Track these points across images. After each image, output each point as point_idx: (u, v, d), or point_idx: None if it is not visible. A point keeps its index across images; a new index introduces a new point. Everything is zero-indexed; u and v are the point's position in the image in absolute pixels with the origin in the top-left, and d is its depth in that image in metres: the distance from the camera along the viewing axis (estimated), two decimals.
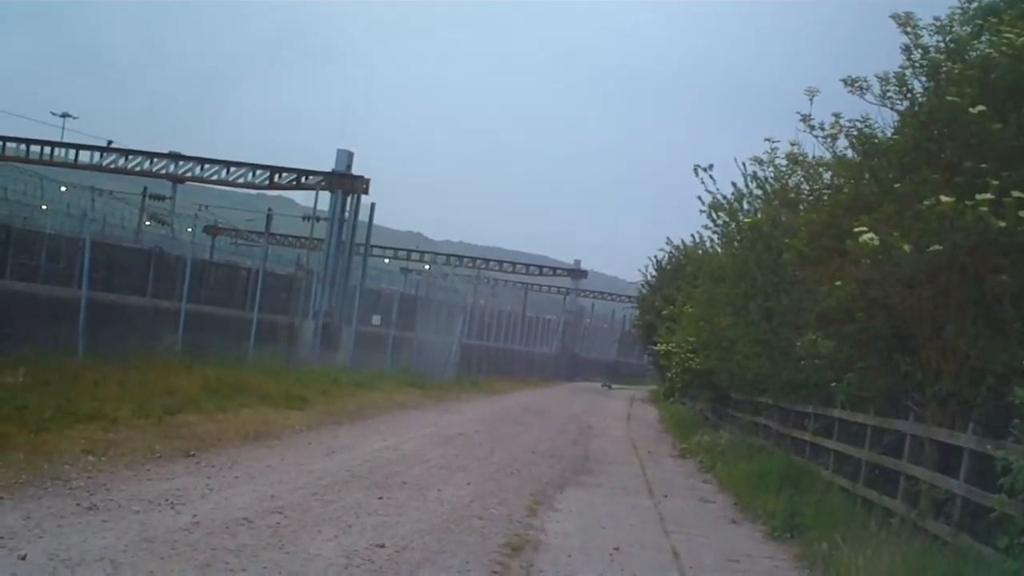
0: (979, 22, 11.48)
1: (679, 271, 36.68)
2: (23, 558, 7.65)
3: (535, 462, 18.56)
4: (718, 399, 29.75)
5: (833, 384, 15.19)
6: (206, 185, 44.44)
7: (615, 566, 10.43)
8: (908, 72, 12.09)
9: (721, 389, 27.44)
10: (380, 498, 12.42)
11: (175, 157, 42.54)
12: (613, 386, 33.38)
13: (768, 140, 16.40)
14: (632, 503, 15.26)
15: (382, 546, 9.72)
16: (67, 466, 11.45)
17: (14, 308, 19.62)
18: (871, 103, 12.56)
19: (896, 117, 12.68)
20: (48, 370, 16.50)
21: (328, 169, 37.19)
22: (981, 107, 10.31)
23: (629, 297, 69.72)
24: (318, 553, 9.12)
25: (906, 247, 10.65)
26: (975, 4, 11.87)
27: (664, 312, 35.78)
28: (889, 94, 12.33)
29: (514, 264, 77.80)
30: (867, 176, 12.87)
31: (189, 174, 42.35)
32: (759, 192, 20.13)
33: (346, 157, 37.08)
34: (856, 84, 12.49)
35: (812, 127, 13.74)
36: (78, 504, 9.86)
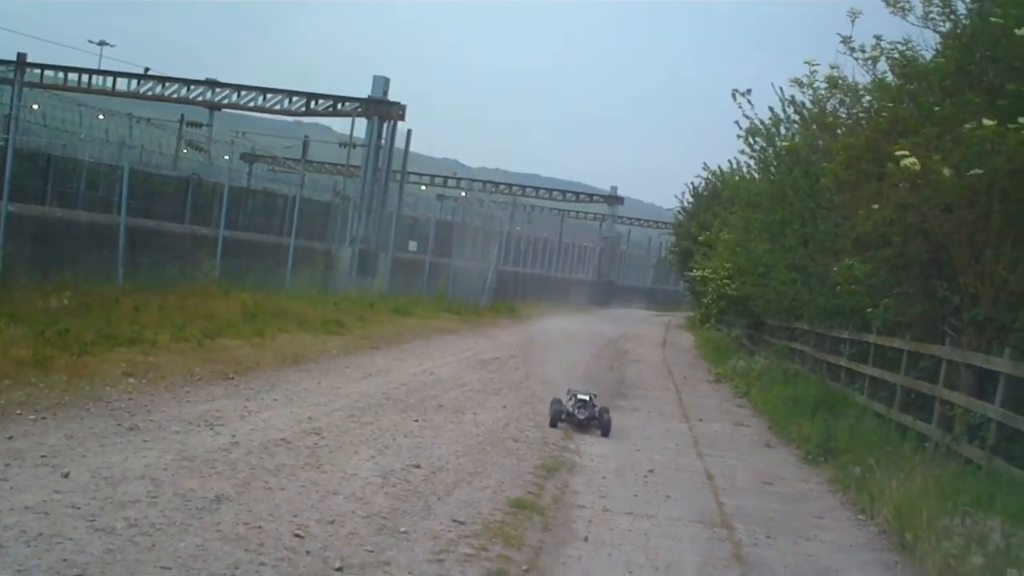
0: None
1: (716, 197, 36.38)
2: (66, 475, 7.81)
3: (571, 386, 18.59)
4: (754, 325, 29.73)
5: (869, 309, 15.15)
6: (243, 112, 44.36)
7: (649, 487, 10.54)
8: None
9: (757, 315, 27.40)
10: (416, 420, 12.57)
11: (212, 84, 42.52)
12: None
13: (808, 63, 16.15)
14: (667, 427, 15.36)
15: (418, 467, 9.86)
16: (108, 388, 11.64)
17: (55, 234, 19.76)
18: (913, 24, 12.37)
19: (938, 39, 12.48)
20: (89, 295, 16.67)
21: (364, 96, 37.03)
22: None
23: (665, 224, 69.27)
24: (355, 473, 9.27)
25: (946, 171, 10.55)
26: None
27: (700, 238, 35.61)
28: (932, 15, 12.13)
29: (550, 191, 77.29)
30: (907, 100, 12.69)
31: (226, 101, 42.35)
32: (796, 117, 19.94)
33: (382, 83, 36.85)
34: (898, 5, 12.28)
35: (852, 49, 13.53)
36: (119, 424, 10.04)
